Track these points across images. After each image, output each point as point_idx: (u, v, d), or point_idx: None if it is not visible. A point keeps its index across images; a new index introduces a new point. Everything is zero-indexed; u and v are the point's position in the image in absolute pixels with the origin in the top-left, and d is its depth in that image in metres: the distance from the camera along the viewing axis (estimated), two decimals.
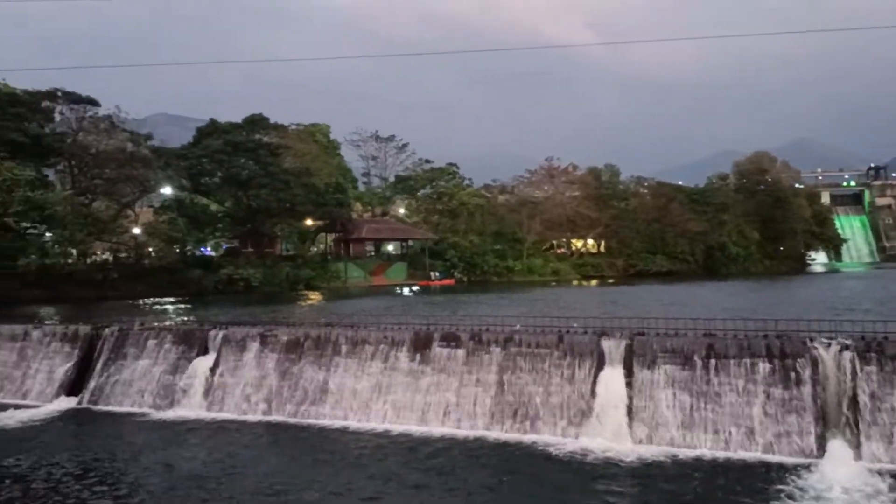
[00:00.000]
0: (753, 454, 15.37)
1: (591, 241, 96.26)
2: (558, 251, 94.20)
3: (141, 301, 46.27)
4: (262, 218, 66.00)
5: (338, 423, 18.77)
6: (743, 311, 28.06)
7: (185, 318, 30.61)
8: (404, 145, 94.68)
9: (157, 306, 42.64)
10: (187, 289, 55.03)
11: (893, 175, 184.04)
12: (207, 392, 20.77)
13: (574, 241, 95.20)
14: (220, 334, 21.82)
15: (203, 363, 21.32)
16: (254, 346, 21.26)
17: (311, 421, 19.15)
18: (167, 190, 66.98)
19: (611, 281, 76.67)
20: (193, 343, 22.02)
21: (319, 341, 20.75)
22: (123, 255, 62.45)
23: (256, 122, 71.09)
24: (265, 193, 63.47)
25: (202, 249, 70.67)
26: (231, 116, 71.49)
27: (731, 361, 16.57)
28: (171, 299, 48.11)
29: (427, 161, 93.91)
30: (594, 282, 76.13)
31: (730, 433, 15.87)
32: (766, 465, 14.79)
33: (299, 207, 66.49)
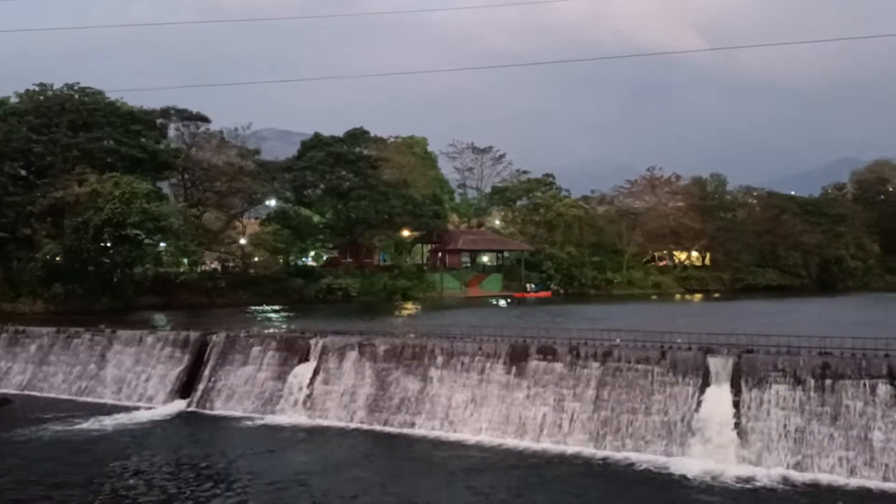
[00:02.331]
0: (870, 481, 14.28)
1: (695, 254, 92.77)
2: (660, 264, 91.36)
3: (246, 308, 48.35)
4: (361, 229, 67.64)
5: (432, 434, 18.87)
6: (861, 328, 26.14)
7: (288, 326, 31.72)
8: (501, 156, 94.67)
9: (262, 314, 44.42)
10: (289, 297, 57.04)
11: None
12: (307, 399, 21.38)
13: (677, 253, 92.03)
14: (321, 342, 22.43)
15: (304, 370, 21.98)
16: (352, 354, 21.72)
17: (407, 430, 19.34)
18: (272, 202, 69.84)
19: (716, 295, 73.63)
20: (295, 350, 22.75)
21: (416, 352, 20.96)
22: (231, 264, 65.50)
23: (357, 136, 72.99)
24: (364, 205, 65.06)
25: (304, 259, 73.11)
26: (334, 130, 73.66)
27: (849, 382, 15.49)
28: (275, 307, 50.02)
29: (524, 172, 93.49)
30: (698, 296, 73.31)
31: (845, 458, 14.81)
32: (885, 494, 13.70)
33: (397, 218, 67.68)
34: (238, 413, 21.95)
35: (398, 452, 17.62)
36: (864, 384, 15.37)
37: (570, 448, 17.20)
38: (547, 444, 17.51)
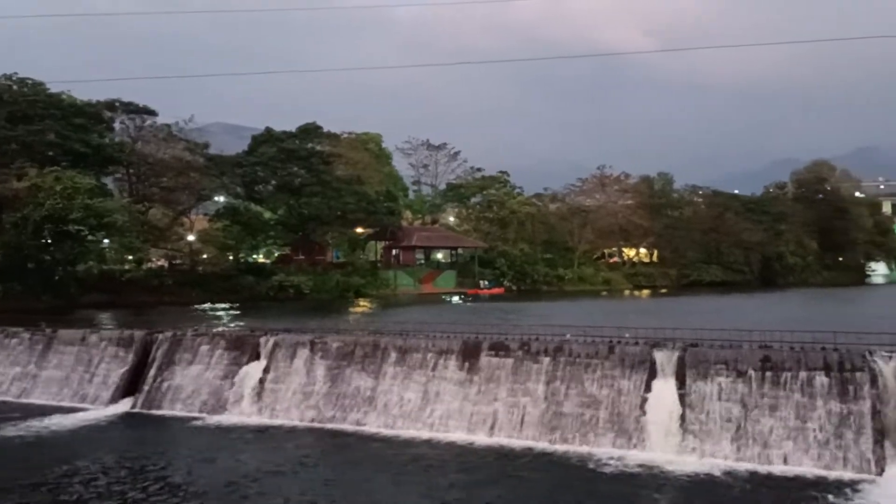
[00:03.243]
0: (809, 469, 14.85)
1: (643, 251, 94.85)
2: (610, 260, 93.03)
3: (195, 307, 47.42)
4: (314, 226, 66.99)
5: (385, 431, 18.85)
6: (800, 322, 27.12)
7: (237, 325, 31.25)
8: (456, 153, 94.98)
9: (211, 312, 43.65)
10: (240, 295, 56.13)
11: None
12: (258, 398, 21.11)
13: (626, 250, 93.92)
14: (271, 341, 22.17)
15: (254, 369, 21.69)
16: (304, 352, 21.53)
17: (359, 428, 19.28)
18: (222, 198, 68.63)
19: (663, 291, 75.37)
20: (245, 349, 22.43)
21: (368, 349, 20.89)
22: (178, 261, 64.15)
23: (310, 131, 72.24)
24: (317, 201, 64.44)
25: (255, 256, 72.11)
26: (286, 125, 72.91)
27: (788, 374, 16.06)
28: (224, 305, 49.20)
29: (478, 169, 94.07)
30: (646, 292, 74.94)
31: (785, 447, 15.37)
32: (822, 481, 14.26)
33: (350, 215, 67.26)
34: (185, 413, 21.53)
35: (350, 451, 17.55)
36: (803, 376, 15.96)
37: (522, 442, 17.41)
38: (499, 440, 17.69)
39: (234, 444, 18.37)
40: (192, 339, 23.51)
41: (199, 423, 20.55)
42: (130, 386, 23.15)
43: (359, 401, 19.98)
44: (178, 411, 21.74)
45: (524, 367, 18.74)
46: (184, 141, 62.82)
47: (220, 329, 25.73)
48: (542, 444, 17.22)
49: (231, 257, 64.44)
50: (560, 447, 16.98)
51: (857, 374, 15.54)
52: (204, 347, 23.01)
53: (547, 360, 18.61)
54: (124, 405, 22.56)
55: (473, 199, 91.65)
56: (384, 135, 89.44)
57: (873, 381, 15.38)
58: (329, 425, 19.66)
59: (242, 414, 20.85)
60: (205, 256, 63.43)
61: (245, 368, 21.81)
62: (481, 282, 74.90)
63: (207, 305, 48.82)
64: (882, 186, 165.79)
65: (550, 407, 17.89)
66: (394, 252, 78.69)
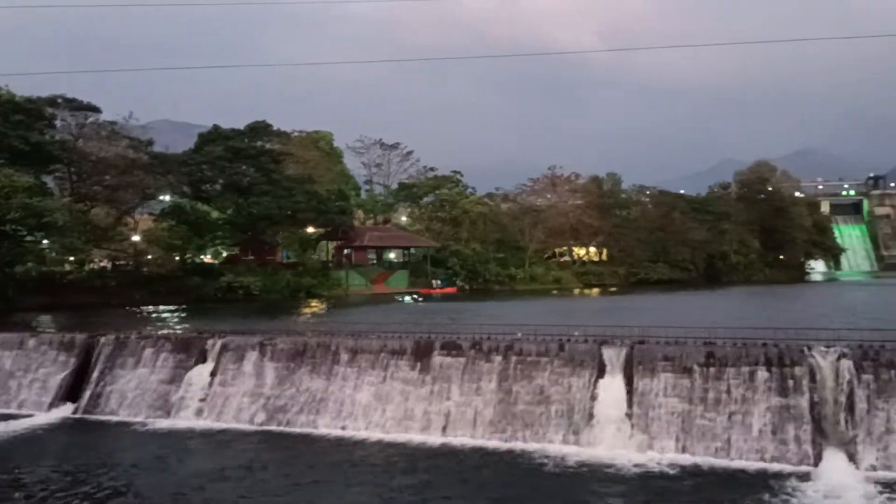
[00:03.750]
0: (751, 462, 15.32)
1: (593, 250, 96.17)
2: (561, 259, 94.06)
3: (140, 308, 46.19)
4: (264, 225, 65.92)
5: (337, 433, 18.72)
6: (743, 319, 27.95)
7: (184, 327, 30.58)
8: (409, 153, 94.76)
9: (156, 314, 42.59)
10: (187, 296, 54.87)
11: (892, 185, 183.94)
12: (205, 401, 20.70)
13: (576, 249, 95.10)
14: (219, 343, 21.77)
15: (201, 372, 21.27)
16: (253, 354, 21.21)
17: (310, 430, 19.09)
18: (167, 197, 66.99)
19: (612, 289, 76.61)
20: (191, 352, 21.98)
21: (319, 350, 20.71)
22: (122, 262, 62.38)
23: (259, 129, 71.02)
24: (266, 200, 63.41)
25: (202, 256, 70.71)
26: (235, 123, 71.56)
27: (730, 370, 16.54)
28: (171, 307, 48.05)
29: (431, 169, 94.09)
30: (596, 290, 76.06)
31: (728, 441, 15.83)
32: (764, 473, 14.72)
33: (301, 215, 66.39)
34: (130, 418, 20.97)
35: (301, 454, 17.35)
36: (745, 371, 16.46)
37: (475, 441, 17.51)
38: (451, 439, 17.74)
39: (181, 449, 17.98)
40: (137, 341, 22.93)
41: (144, 428, 20.04)
42: (72, 391, 22.45)
43: (310, 403, 19.79)
44: (122, 416, 21.17)
45: (476, 366, 18.85)
46: (127, 138, 61.05)
47: (165, 331, 25.14)
48: (493, 443, 17.35)
49: (177, 258, 62.95)
50: (512, 445, 17.14)
51: (797, 369, 16.10)
52: (149, 350, 22.47)
53: (499, 358, 18.76)
54: (65, 411, 21.86)
55: (426, 199, 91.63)
56: (336, 133, 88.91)
57: (811, 375, 15.95)
58: (279, 428, 19.42)
59: (189, 418, 20.42)
60: (150, 257, 61.76)
61: (192, 371, 21.38)
62: (434, 281, 74.94)
63: (153, 307, 47.60)
64: (820, 187, 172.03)
65: (502, 405, 18.03)
66: (345, 252, 78.06)
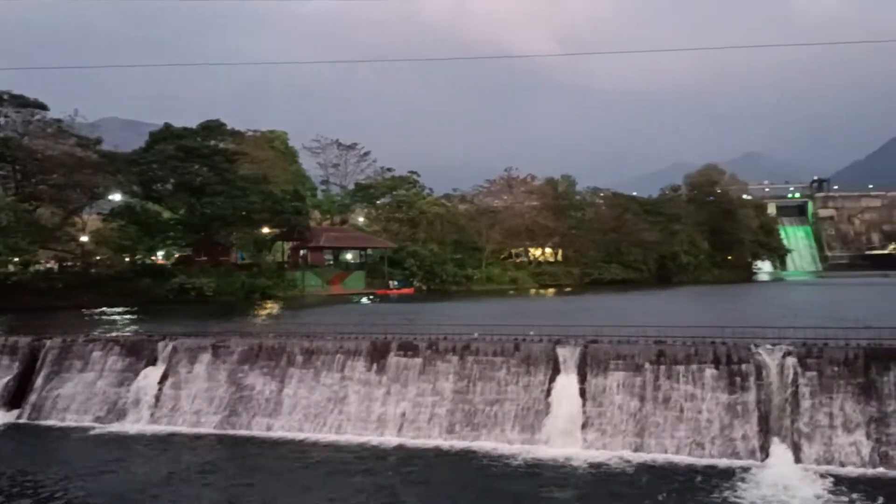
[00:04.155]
0: (701, 458, 15.71)
1: (548, 251, 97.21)
2: (517, 260, 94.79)
3: (88, 311, 44.97)
4: (217, 226, 64.78)
5: (291, 435, 18.54)
6: (692, 318, 28.59)
7: (134, 329, 29.89)
8: (366, 153, 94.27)
9: (105, 316, 41.51)
10: (137, 298, 53.59)
11: (835, 188, 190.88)
12: (156, 405, 20.27)
13: (532, 250, 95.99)
14: (170, 345, 21.34)
15: (151, 375, 20.82)
16: (205, 357, 20.86)
17: (264, 433, 18.87)
18: (117, 196, 65.32)
19: (567, 289, 77.53)
20: (141, 354, 21.49)
21: (273, 352, 20.48)
22: (70, 263, 60.63)
23: (212, 128, 69.72)
24: (220, 201, 62.30)
25: (154, 257, 69.18)
26: (189, 122, 70.01)
27: (680, 367, 16.94)
28: (120, 309, 46.87)
29: (388, 169, 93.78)
30: (551, 290, 76.88)
31: (678, 438, 16.20)
32: (713, 469, 15.12)
33: (255, 215, 65.44)
34: (78, 423, 20.38)
35: (254, 457, 17.13)
36: (694, 369, 16.87)
37: (431, 441, 17.54)
38: (407, 439, 17.74)
39: (131, 454, 17.57)
40: (84, 344, 22.31)
41: (92, 433, 19.52)
42: (16, 396, 21.71)
43: (264, 405, 19.56)
44: (69, 422, 20.56)
45: (432, 366, 18.90)
46: (75, 136, 59.33)
47: (114, 334, 24.50)
48: (449, 443, 17.41)
49: (127, 259, 61.45)
50: (468, 444, 17.23)
51: (744, 367, 16.58)
52: (97, 353, 21.88)
53: (455, 359, 18.84)
54: (9, 417, 21.13)
55: (383, 200, 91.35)
56: (291, 133, 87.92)
57: (758, 372, 16.44)
58: (232, 431, 19.14)
59: (139, 422, 19.97)
60: (99, 258, 60.19)
61: (142, 375, 20.90)
62: (391, 282, 74.76)
63: (101, 309, 46.37)
64: (767, 189, 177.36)
65: (458, 405, 18.11)
66: (301, 252, 77.28)
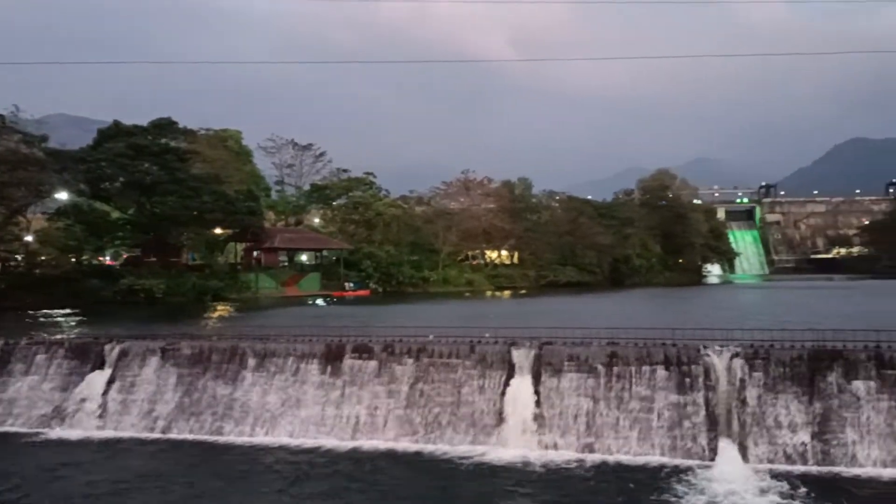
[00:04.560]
0: (652, 458, 15.99)
1: (504, 253, 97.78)
2: (473, 262, 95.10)
3: (32, 312, 43.52)
4: (168, 226, 63.36)
5: (243, 439, 18.26)
6: (644, 320, 29.13)
7: (80, 331, 29.04)
8: (321, 154, 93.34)
9: (50, 318, 40.24)
10: (84, 300, 52.06)
11: (782, 193, 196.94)
12: (102, 409, 19.73)
13: (488, 252, 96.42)
14: (118, 348, 20.81)
15: (98, 379, 20.26)
16: (154, 360, 20.40)
17: (216, 438, 18.54)
18: (63, 195, 63.41)
19: (523, 291, 78.09)
20: (87, 357, 20.90)
21: (225, 355, 20.15)
22: (13, 263, 58.59)
23: (164, 126, 68.19)
24: (171, 200, 60.95)
25: (102, 258, 67.31)
26: (140, 120, 68.34)
27: (632, 369, 17.22)
28: (66, 311, 45.48)
29: (344, 170, 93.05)
30: (507, 292, 77.33)
31: (631, 438, 16.46)
32: (664, 468, 15.40)
33: (208, 215, 64.19)
34: (20, 429, 19.71)
35: (205, 462, 16.80)
36: (646, 370, 17.16)
37: (386, 444, 17.47)
38: (362, 443, 17.63)
39: (76, 460, 17.04)
40: (27, 347, 21.62)
41: (36, 438, 18.89)
42: None
43: (215, 409, 19.22)
44: (11, 426, 19.88)
45: (388, 368, 18.83)
46: (20, 133, 57.38)
47: (59, 336, 23.78)
48: (404, 445, 17.36)
49: (73, 259, 59.66)
50: (423, 447, 17.20)
51: (693, 368, 16.94)
52: (41, 357, 21.22)
53: (410, 361, 18.80)
54: None
55: (339, 201, 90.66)
56: (246, 133, 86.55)
57: (707, 373, 16.81)
58: (182, 436, 18.75)
59: (85, 427, 19.41)
60: (44, 258, 58.26)
61: (88, 378, 20.34)
62: (346, 284, 74.20)
63: (47, 311, 44.93)
64: (717, 194, 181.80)
65: (413, 408, 18.08)
66: (255, 254, 76.15)
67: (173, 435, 18.82)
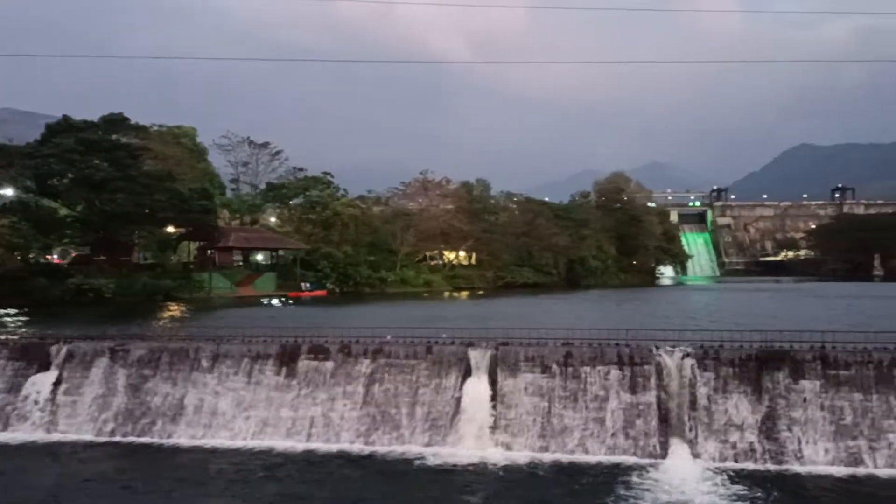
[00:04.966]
0: (606, 457, 16.21)
1: (462, 254, 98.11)
2: (431, 263, 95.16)
3: None
4: (118, 224, 61.75)
5: (195, 442, 17.89)
6: (599, 321, 29.50)
7: (25, 332, 28.09)
8: (278, 152, 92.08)
9: None
10: (30, 299, 50.36)
11: (732, 197, 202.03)
12: (48, 412, 19.11)
13: (447, 253, 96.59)
14: (64, 349, 20.18)
15: (43, 380, 19.61)
16: (102, 361, 19.85)
17: (166, 440, 18.13)
18: (9, 191, 61.35)
19: (480, 292, 78.40)
20: (32, 358, 20.21)
21: (176, 356, 19.71)
22: None
23: (115, 122, 66.44)
24: (122, 198, 59.41)
25: (50, 256, 65.31)
26: (90, 115, 66.47)
27: (587, 369, 17.43)
28: (11, 310, 43.97)
29: (300, 169, 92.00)
30: (465, 293, 77.54)
31: (585, 437, 16.65)
32: (618, 467, 15.62)
33: (160, 214, 62.78)
34: None
35: (155, 465, 16.41)
36: (600, 370, 17.39)
37: (341, 446, 17.34)
38: (318, 444, 17.46)
39: (20, 464, 16.51)
40: None
41: None
42: None
43: (166, 411, 18.79)
44: None
45: (344, 369, 18.69)
46: None
47: (3, 337, 22.95)
48: (360, 447, 17.25)
49: (20, 257, 57.73)
50: (379, 449, 17.12)
51: (646, 368, 17.22)
52: None
53: (367, 362, 18.69)
54: None
55: (296, 200, 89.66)
56: (201, 130, 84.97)
57: (659, 373, 17.12)
58: (131, 439, 18.29)
59: (29, 431, 18.78)
60: None
61: (33, 380, 19.67)
62: (303, 284, 73.42)
63: None
64: (670, 198, 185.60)
65: (370, 409, 17.98)
66: (209, 253, 74.82)
67: (122, 438, 18.35)
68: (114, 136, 64.96)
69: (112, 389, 19.34)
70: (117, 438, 18.33)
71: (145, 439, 18.22)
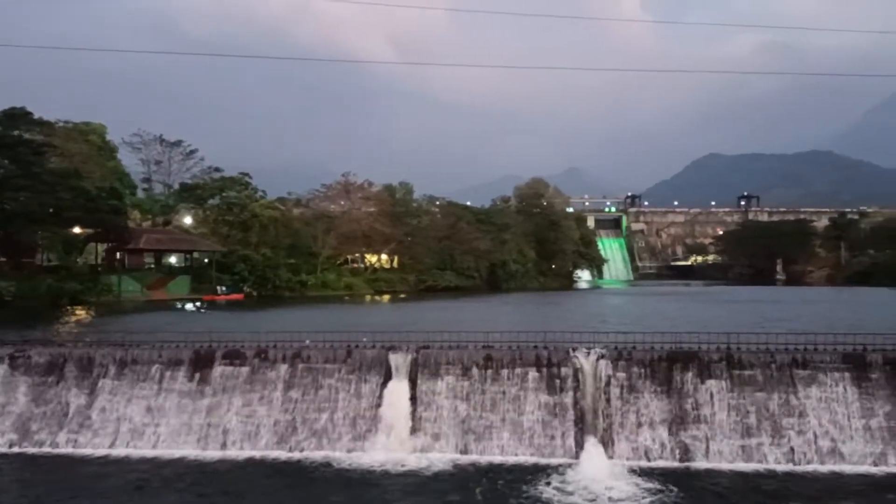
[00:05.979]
0: (525, 457, 16.50)
1: (384, 257, 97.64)
2: (353, 266, 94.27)
3: None
4: (20, 224, 58.30)
5: (101, 452, 17.13)
6: (519, 324, 29.99)
7: None
8: (192, 151, 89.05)
9: None
10: None
11: (646, 204, 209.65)
12: None
13: (368, 256, 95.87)
14: None
15: None
16: (1, 368, 18.72)
17: (70, 450, 17.28)
18: None
19: (402, 296, 78.26)
20: None
21: (82, 362, 18.81)
22: None
23: (17, 117, 62.80)
24: (23, 196, 56.18)
25: None
26: None
27: (506, 371, 17.69)
28: None
29: (217, 169, 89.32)
30: (387, 296, 77.22)
31: (503, 439, 16.90)
32: (536, 467, 15.92)
33: (65, 213, 59.68)
34: None
35: (57, 476, 15.60)
36: (518, 372, 17.68)
37: (258, 453, 16.98)
38: (233, 452, 17.03)
39: None
40: None
41: None
42: None
43: (70, 420, 17.91)
44: None
45: (261, 375, 18.30)
46: None
47: None
48: (277, 453, 16.94)
49: None
50: (296, 455, 16.85)
51: (563, 370, 17.63)
52: None
53: (284, 367, 18.38)
54: None
55: (212, 201, 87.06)
56: (110, 127, 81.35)
57: (575, 374, 17.55)
58: (32, 449, 17.34)
59: None
60: None
61: None
62: (219, 287, 71.33)
63: None
64: (587, 203, 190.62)
65: (287, 415, 17.67)
66: (118, 255, 71.68)
67: (21, 449, 17.35)
68: (16, 132, 61.45)
69: (12, 398, 18.29)
70: (18, 449, 17.35)
71: (48, 450, 17.31)
